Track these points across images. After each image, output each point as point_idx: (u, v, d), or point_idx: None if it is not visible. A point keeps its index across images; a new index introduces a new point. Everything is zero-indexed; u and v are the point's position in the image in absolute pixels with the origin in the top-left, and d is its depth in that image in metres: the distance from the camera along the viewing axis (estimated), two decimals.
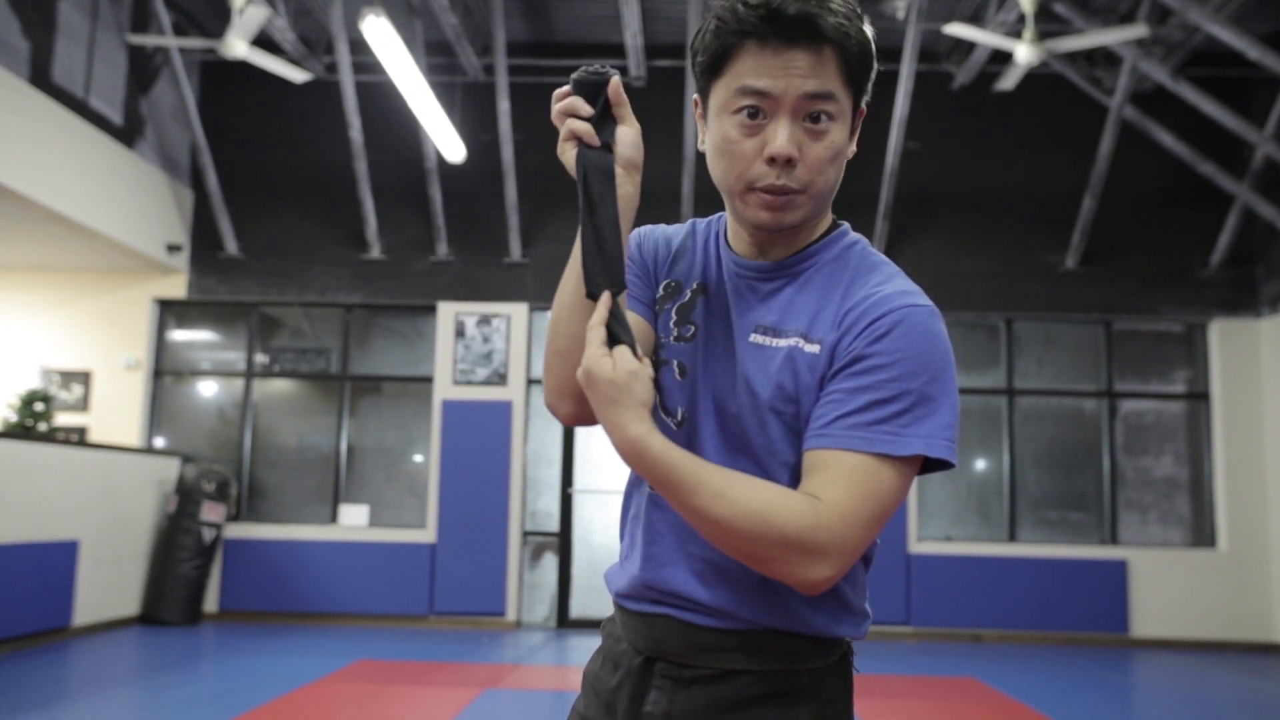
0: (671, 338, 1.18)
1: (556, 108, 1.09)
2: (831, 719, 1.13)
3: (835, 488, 1.02)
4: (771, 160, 1.06)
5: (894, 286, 1.09)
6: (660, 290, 1.21)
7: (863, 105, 1.13)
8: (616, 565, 1.24)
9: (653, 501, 1.17)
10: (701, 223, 1.25)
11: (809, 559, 1.00)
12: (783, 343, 1.10)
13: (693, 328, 1.17)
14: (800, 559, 1.00)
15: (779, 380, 1.09)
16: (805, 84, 1.05)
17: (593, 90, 1.08)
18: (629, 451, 1.01)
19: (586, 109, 1.07)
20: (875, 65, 1.11)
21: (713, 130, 1.11)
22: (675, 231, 1.26)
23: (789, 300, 1.13)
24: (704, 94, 1.13)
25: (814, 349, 1.08)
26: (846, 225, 1.19)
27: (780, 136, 1.05)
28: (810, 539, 1.00)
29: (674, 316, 1.19)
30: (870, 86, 1.13)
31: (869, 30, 1.09)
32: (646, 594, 1.16)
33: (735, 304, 1.16)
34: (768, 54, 1.05)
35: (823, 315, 1.10)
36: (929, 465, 1.08)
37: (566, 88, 1.10)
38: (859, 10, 1.09)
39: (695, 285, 1.20)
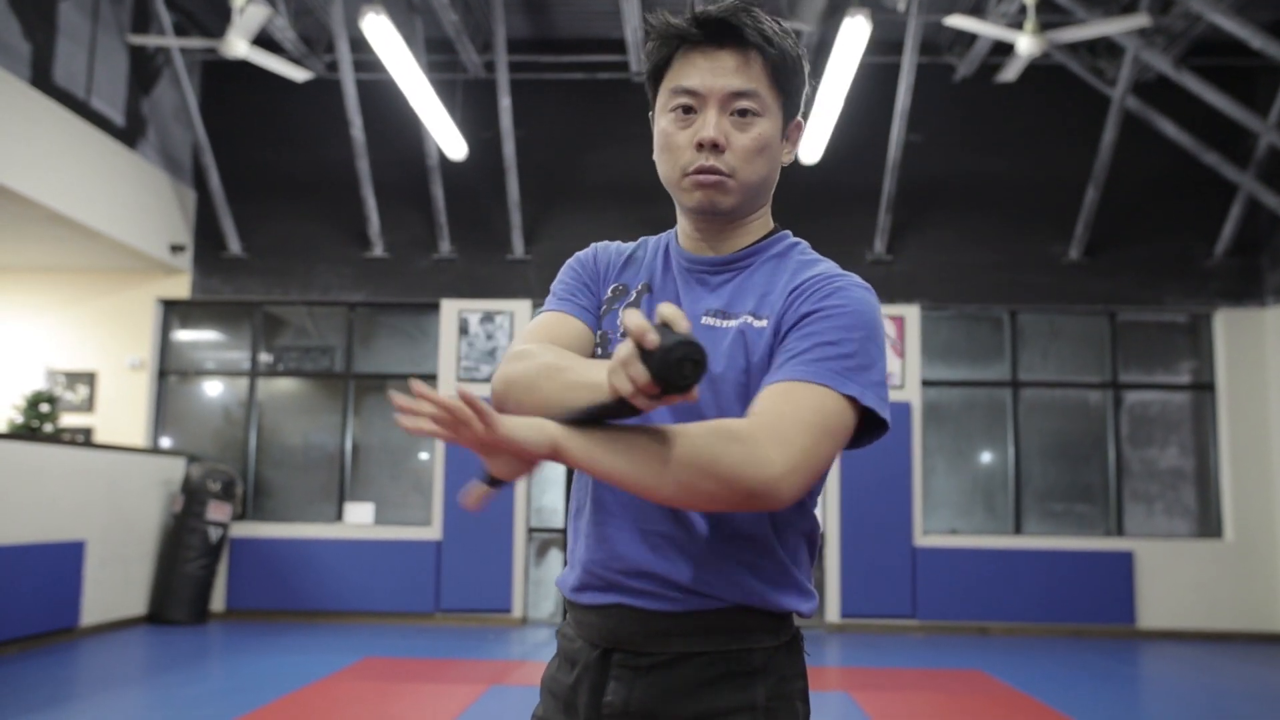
0: (619, 334, 1.23)
1: (634, 379, 0.94)
2: (787, 696, 1.16)
3: (774, 401, 1.07)
4: (700, 146, 1.18)
5: (836, 271, 1.20)
6: (609, 293, 1.31)
7: (799, 118, 1.25)
8: (565, 570, 1.28)
9: (599, 483, 1.20)
10: (654, 238, 1.36)
11: (752, 449, 1.01)
12: (733, 323, 1.18)
13: None
14: (742, 451, 1.01)
15: (731, 354, 1.16)
16: (731, 81, 1.17)
17: (673, 385, 0.93)
18: (555, 448, 1.01)
19: (652, 389, 0.94)
20: (805, 80, 1.23)
21: (656, 129, 1.23)
22: (629, 245, 1.37)
23: (737, 287, 1.22)
24: (651, 100, 1.25)
25: (762, 324, 1.17)
26: (789, 231, 1.30)
27: (708, 124, 1.17)
28: (748, 431, 1.03)
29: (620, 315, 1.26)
30: (803, 102, 1.25)
31: (798, 49, 1.21)
32: (600, 579, 1.18)
33: (685, 295, 1.24)
34: (697, 56, 1.18)
35: (770, 296, 1.19)
36: (864, 435, 1.13)
37: (652, 341, 0.91)
38: (791, 32, 1.21)
39: (640, 285, 1.29)
